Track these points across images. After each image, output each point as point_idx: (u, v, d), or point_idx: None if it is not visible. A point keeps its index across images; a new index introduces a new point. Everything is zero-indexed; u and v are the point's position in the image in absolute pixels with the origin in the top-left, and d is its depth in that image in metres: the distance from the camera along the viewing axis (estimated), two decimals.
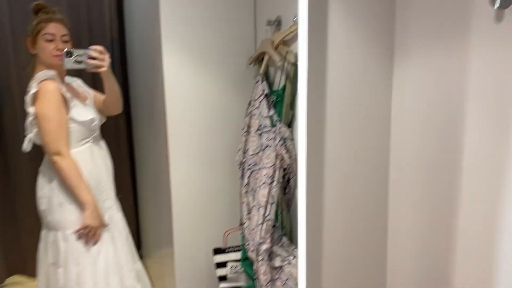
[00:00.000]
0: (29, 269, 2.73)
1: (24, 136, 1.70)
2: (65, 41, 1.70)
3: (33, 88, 1.62)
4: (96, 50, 1.64)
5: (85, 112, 1.74)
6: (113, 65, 2.59)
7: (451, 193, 1.18)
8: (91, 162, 1.74)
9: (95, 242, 1.70)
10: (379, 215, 1.44)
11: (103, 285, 1.72)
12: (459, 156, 1.14)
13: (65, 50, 1.61)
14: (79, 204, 1.65)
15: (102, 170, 1.80)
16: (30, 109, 1.64)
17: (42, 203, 1.73)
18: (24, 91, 1.71)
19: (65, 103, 1.67)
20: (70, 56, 1.60)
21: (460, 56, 1.09)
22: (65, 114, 1.65)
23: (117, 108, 1.92)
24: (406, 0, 1.22)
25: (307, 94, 1.09)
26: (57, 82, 1.65)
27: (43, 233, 1.79)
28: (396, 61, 1.28)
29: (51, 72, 1.65)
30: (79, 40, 2.41)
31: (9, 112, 2.51)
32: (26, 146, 1.70)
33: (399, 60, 1.27)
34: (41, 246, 1.80)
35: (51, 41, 1.66)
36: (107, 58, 1.68)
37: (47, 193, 1.70)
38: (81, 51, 1.62)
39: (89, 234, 1.67)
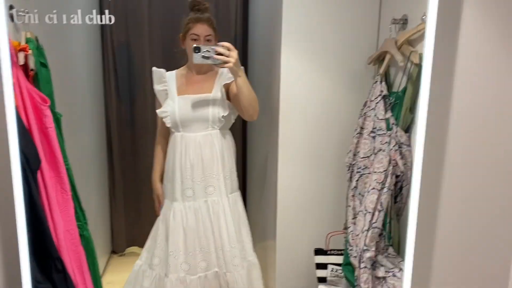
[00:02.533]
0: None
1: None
2: (208, 40, 1.80)
3: None
4: (223, 46, 1.67)
5: (168, 105, 1.86)
6: None
7: None
8: (173, 153, 1.85)
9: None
10: (500, 227, 1.28)
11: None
12: None
13: (193, 46, 1.67)
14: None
15: (188, 162, 1.83)
16: None
17: None
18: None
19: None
20: (198, 52, 1.66)
21: None
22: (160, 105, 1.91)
23: (247, 112, 1.80)
24: None
25: (430, 97, 1.01)
26: (175, 73, 1.90)
27: None
28: None
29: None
30: None
31: (141, 103, 2.79)
32: None
33: None
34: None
35: (195, 40, 1.78)
36: (234, 55, 1.68)
37: None
38: (209, 47, 1.66)
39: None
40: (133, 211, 2.96)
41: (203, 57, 1.66)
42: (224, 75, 1.84)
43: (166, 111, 1.85)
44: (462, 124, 1.22)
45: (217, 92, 1.86)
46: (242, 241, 1.91)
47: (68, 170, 1.36)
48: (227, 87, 1.86)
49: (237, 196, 1.96)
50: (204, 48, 1.66)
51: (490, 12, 1.13)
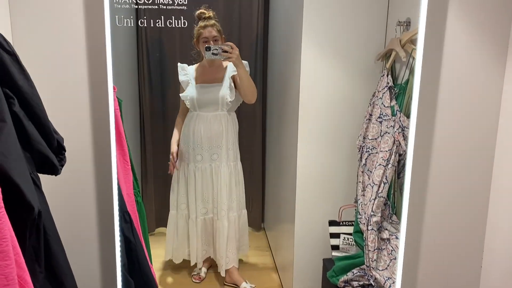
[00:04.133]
0: None
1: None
2: (215, 40, 2.31)
3: None
4: (227, 45, 2.20)
5: (189, 91, 2.39)
6: (256, 58, 3.01)
7: None
8: (188, 126, 2.44)
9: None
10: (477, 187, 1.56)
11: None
12: None
13: (205, 46, 2.21)
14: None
15: (200, 134, 2.40)
16: None
17: None
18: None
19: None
20: (209, 50, 2.20)
21: None
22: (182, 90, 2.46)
23: (246, 97, 2.36)
24: None
25: (421, 86, 1.29)
26: (194, 67, 2.45)
27: None
28: (509, 64, 1.39)
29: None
30: (231, 35, 2.86)
31: (172, 95, 3.08)
32: None
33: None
34: None
35: (206, 42, 2.30)
36: (235, 52, 2.20)
37: None
38: (217, 46, 2.20)
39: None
40: (162, 195, 3.25)
41: (213, 53, 2.20)
42: (231, 69, 2.35)
43: (187, 95, 2.40)
44: (447, 111, 1.51)
45: (226, 82, 2.37)
46: (240, 196, 2.53)
47: (128, 145, 1.65)
48: (234, 78, 2.37)
49: (238, 164, 2.52)
50: (213, 47, 2.21)
51: (470, 18, 1.40)
